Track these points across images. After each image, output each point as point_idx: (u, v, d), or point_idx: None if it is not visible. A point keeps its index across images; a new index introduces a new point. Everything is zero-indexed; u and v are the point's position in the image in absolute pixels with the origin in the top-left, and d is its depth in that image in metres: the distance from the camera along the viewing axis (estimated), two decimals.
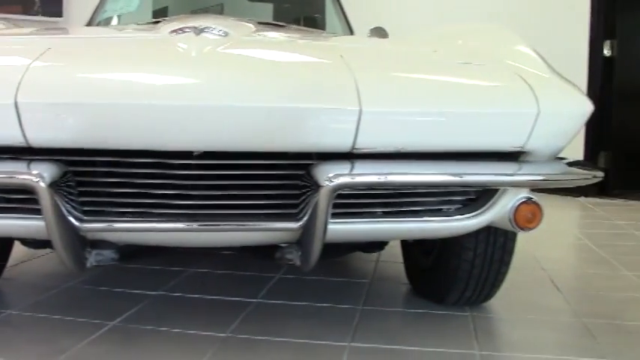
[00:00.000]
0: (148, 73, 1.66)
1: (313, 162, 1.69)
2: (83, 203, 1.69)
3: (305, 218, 1.68)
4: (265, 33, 2.37)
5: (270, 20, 3.31)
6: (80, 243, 1.76)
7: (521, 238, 2.23)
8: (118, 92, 1.59)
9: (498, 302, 2.43)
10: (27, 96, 1.55)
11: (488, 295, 2.35)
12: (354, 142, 1.64)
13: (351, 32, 3.64)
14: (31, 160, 1.60)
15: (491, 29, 2.29)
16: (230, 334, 2.04)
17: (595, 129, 5.49)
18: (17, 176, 1.56)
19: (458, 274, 2.22)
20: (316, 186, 1.62)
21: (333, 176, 1.60)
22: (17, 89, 1.55)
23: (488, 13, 6.02)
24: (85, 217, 1.68)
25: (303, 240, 1.75)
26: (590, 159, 5.51)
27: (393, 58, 2.10)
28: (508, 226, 1.91)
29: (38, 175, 1.54)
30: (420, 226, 1.86)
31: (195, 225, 1.69)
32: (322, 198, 1.61)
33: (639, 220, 4.58)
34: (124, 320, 2.13)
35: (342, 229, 1.78)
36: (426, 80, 1.81)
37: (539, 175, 1.78)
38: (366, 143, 1.65)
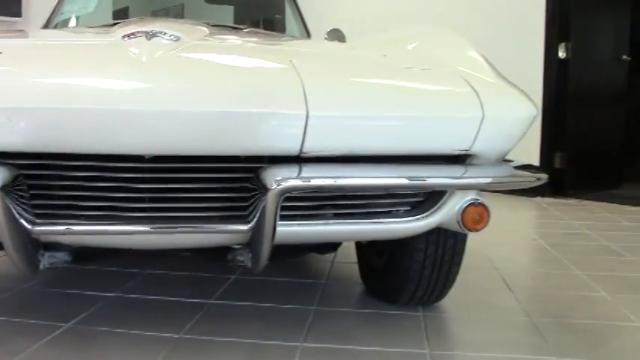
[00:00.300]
0: (99, 78, 1.66)
1: (263, 165, 1.71)
2: (35, 206, 1.69)
3: (254, 220, 1.69)
4: (218, 37, 2.38)
5: (231, 22, 3.32)
6: (32, 245, 1.76)
7: (476, 238, 2.27)
8: (69, 97, 1.59)
9: (450, 302, 2.47)
10: None
11: (440, 295, 2.38)
12: (302, 146, 1.66)
13: (308, 34, 3.66)
14: None
15: (441, 34, 2.33)
16: (184, 335, 2.05)
17: (550, 130, 5.55)
18: None
19: (409, 274, 2.25)
20: (264, 189, 1.64)
21: (280, 179, 1.62)
22: None
23: (443, 16, 6.09)
24: (37, 220, 1.67)
25: (252, 242, 1.77)
26: (545, 160, 5.60)
27: (342, 62, 2.13)
28: (456, 228, 1.95)
29: None
30: (370, 228, 1.88)
31: (147, 227, 1.70)
32: (270, 201, 1.63)
33: (592, 219, 4.65)
34: (78, 322, 2.14)
35: (292, 230, 1.79)
36: (373, 84, 1.84)
37: (485, 177, 1.81)
38: (313, 147, 1.67)
